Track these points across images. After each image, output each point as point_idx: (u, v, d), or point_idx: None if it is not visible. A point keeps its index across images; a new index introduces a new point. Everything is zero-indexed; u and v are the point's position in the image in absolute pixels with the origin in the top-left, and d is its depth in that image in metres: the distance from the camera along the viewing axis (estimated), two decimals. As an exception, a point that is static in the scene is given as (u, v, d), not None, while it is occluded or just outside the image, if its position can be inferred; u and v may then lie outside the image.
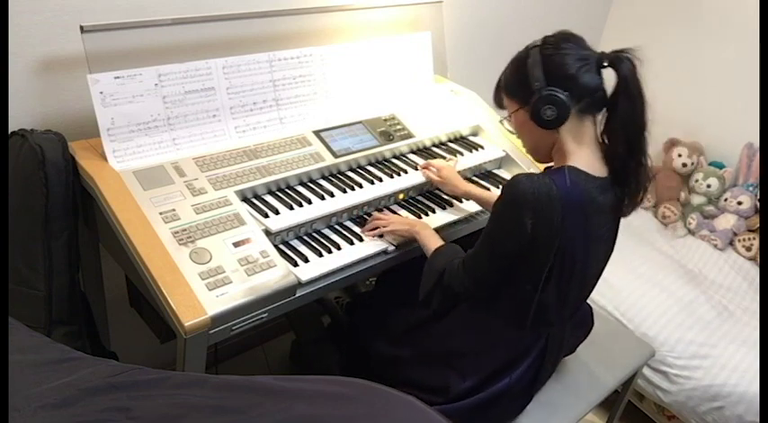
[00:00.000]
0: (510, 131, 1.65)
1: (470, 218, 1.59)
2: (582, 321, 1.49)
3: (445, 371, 1.32)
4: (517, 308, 1.27)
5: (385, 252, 1.41)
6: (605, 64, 1.17)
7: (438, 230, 1.51)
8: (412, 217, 1.52)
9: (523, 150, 1.75)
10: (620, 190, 1.22)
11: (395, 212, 1.54)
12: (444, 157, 1.71)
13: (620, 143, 1.18)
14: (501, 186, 1.24)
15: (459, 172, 1.67)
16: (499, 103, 1.30)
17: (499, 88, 1.28)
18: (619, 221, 1.30)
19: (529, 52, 1.20)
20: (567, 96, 1.15)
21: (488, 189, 1.67)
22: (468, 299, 1.29)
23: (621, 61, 1.15)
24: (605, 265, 1.36)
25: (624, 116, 1.17)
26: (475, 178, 1.73)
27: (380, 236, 1.44)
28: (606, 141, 1.22)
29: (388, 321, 1.46)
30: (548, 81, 1.17)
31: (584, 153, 1.21)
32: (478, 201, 1.57)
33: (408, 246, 1.44)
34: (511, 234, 1.18)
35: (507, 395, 1.33)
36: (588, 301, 2.05)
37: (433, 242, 1.37)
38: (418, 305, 1.36)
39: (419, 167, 1.63)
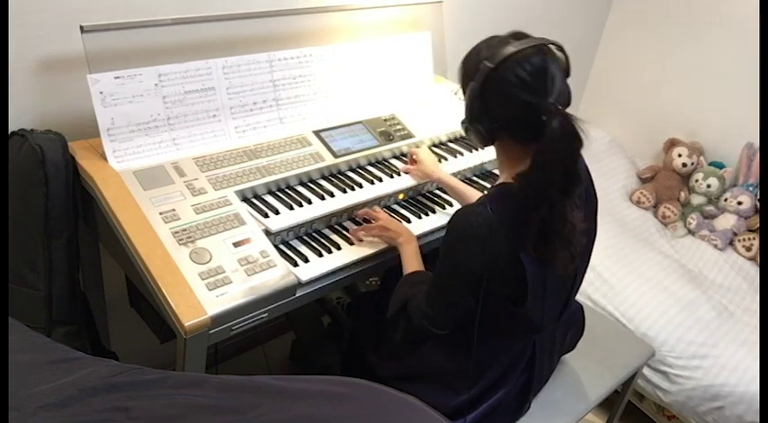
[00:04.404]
0: None
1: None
2: (573, 320, 1.49)
3: (436, 389, 1.31)
4: (503, 323, 1.25)
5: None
6: (544, 118, 1.06)
7: (437, 231, 1.51)
8: (404, 224, 1.47)
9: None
10: None
11: (395, 212, 1.54)
12: (445, 158, 1.71)
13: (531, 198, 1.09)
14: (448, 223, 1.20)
15: (459, 172, 1.67)
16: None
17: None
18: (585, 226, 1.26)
19: (483, 76, 1.09)
20: (489, 130, 1.14)
21: (483, 192, 1.65)
22: (427, 334, 1.25)
23: (552, 121, 1.05)
24: (584, 267, 1.34)
25: (534, 179, 1.08)
26: (475, 178, 1.74)
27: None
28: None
29: (384, 332, 1.45)
30: (477, 116, 1.14)
31: (521, 164, 1.15)
32: (451, 191, 1.57)
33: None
34: (462, 268, 1.16)
35: (502, 407, 1.33)
36: (588, 301, 2.08)
37: (411, 263, 1.35)
38: (389, 327, 1.34)
39: (401, 171, 1.61)
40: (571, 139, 1.06)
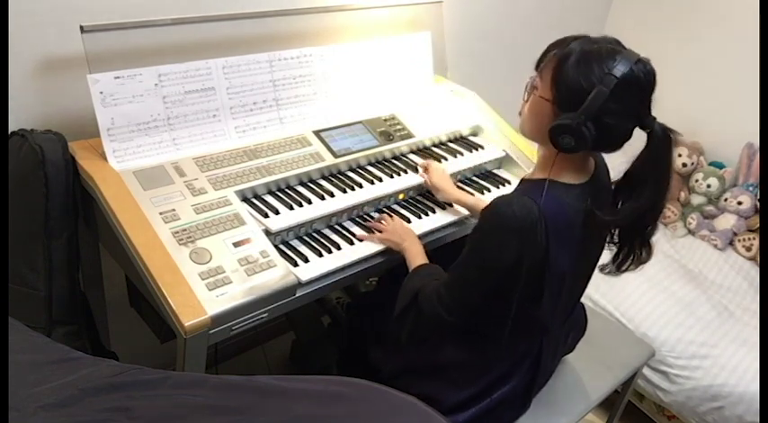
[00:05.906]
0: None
1: (470, 219, 1.59)
2: (576, 321, 1.49)
3: (440, 383, 1.31)
4: (515, 321, 1.24)
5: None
6: (644, 126, 1.11)
7: (437, 231, 1.51)
8: (408, 228, 1.46)
9: (523, 150, 1.76)
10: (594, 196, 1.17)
11: (395, 212, 1.54)
12: (445, 158, 1.71)
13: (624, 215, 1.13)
14: (481, 211, 1.17)
15: (459, 172, 1.67)
16: (537, 66, 1.16)
17: (547, 59, 1.12)
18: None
19: (613, 82, 1.04)
20: (594, 136, 1.07)
21: (482, 192, 1.66)
22: (440, 325, 1.22)
23: (653, 128, 1.09)
24: (595, 265, 1.34)
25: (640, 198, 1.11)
26: (475, 178, 1.74)
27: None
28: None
29: (385, 329, 1.45)
30: (591, 116, 1.06)
31: (572, 166, 1.16)
32: (469, 209, 1.55)
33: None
34: (493, 262, 1.12)
35: (504, 404, 1.33)
36: (589, 301, 2.08)
37: (416, 260, 1.35)
38: (392, 323, 1.32)
39: (419, 168, 1.62)
40: (671, 147, 1.10)
